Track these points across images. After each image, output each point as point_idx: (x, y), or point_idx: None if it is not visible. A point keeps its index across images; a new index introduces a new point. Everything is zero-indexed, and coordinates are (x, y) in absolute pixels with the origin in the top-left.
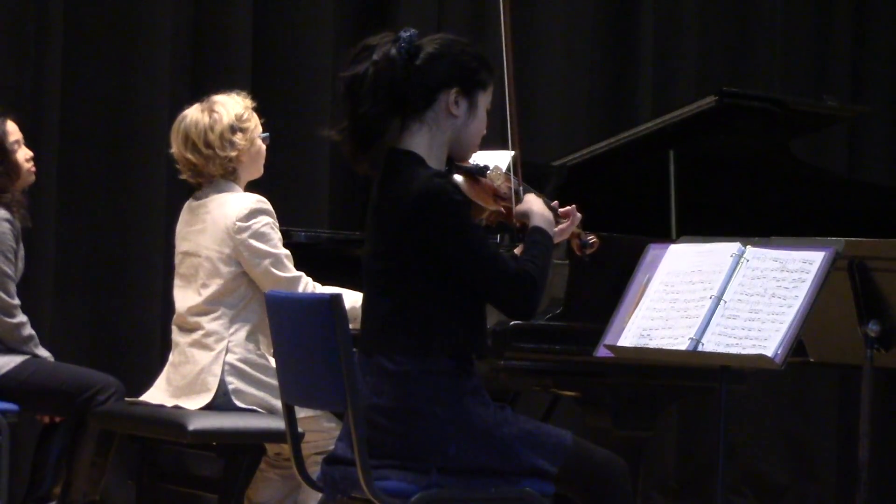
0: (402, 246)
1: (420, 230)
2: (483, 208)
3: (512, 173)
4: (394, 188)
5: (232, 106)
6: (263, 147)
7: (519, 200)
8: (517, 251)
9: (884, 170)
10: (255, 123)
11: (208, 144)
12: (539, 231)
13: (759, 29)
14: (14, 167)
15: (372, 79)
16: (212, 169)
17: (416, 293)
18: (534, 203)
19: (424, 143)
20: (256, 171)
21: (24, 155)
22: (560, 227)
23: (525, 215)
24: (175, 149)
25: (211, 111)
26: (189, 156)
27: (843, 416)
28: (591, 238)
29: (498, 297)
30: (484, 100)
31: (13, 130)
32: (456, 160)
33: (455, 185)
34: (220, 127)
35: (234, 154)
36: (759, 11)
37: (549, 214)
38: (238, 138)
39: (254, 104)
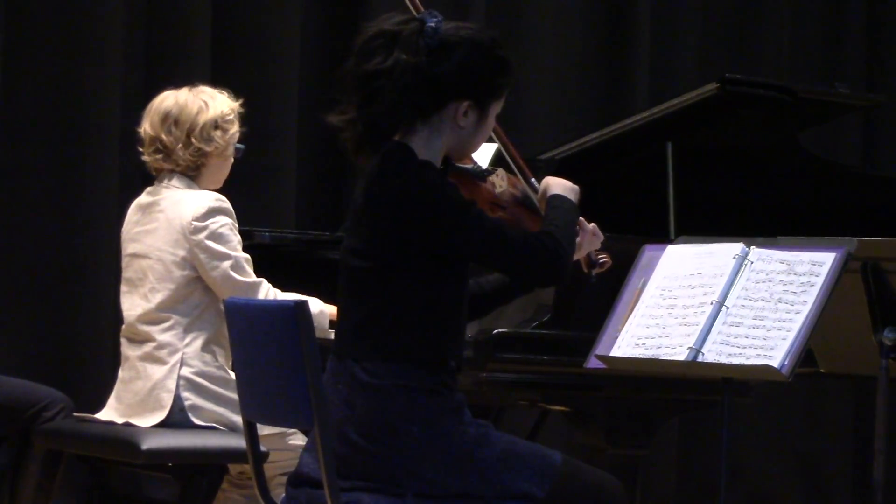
0: (387, 243)
1: (410, 226)
2: None
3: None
4: (382, 182)
5: (220, 102)
6: (233, 157)
7: (527, 207)
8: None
9: None
10: (235, 128)
11: (189, 129)
12: (558, 197)
13: (766, 10)
14: None
15: (398, 77)
16: (180, 155)
17: (396, 294)
18: (552, 180)
19: (422, 143)
20: (218, 180)
21: None
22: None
23: (544, 193)
24: (147, 126)
25: (199, 99)
26: (162, 135)
27: (858, 432)
28: (603, 257)
29: (517, 265)
30: (496, 107)
31: None
32: (454, 160)
33: (445, 177)
34: (203, 117)
35: (208, 149)
36: None
37: (570, 185)
38: (217, 135)
39: (241, 110)
